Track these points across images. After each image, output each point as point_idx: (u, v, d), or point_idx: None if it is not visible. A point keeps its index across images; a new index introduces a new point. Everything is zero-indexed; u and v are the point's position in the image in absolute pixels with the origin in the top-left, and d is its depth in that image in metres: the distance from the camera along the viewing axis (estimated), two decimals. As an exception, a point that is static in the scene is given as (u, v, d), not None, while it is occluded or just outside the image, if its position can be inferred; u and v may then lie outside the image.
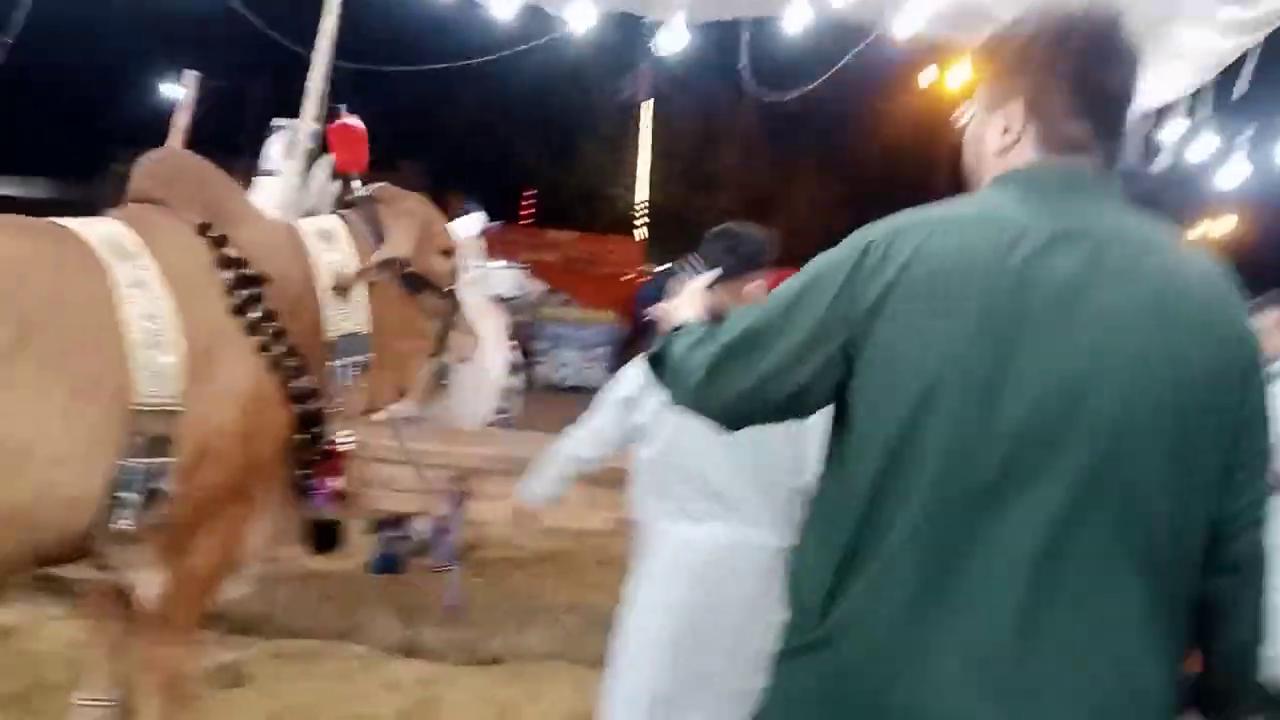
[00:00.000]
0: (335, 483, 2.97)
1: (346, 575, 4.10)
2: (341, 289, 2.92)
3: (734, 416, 1.56)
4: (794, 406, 1.50)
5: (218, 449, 2.51)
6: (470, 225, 4.46)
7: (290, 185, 5.70)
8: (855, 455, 1.39)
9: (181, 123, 5.29)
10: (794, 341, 1.41)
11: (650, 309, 1.90)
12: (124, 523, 2.30)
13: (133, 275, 2.35)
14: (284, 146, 5.81)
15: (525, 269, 18.80)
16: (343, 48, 5.78)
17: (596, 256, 22.28)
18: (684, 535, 2.60)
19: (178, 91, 5.31)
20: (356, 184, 3.27)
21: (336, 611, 3.86)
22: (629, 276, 21.23)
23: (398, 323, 3.06)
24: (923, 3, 5.36)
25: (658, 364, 1.66)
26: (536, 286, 18.64)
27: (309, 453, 2.83)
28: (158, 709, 2.67)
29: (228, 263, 2.60)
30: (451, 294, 3.23)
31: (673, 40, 5.98)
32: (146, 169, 2.74)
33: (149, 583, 2.55)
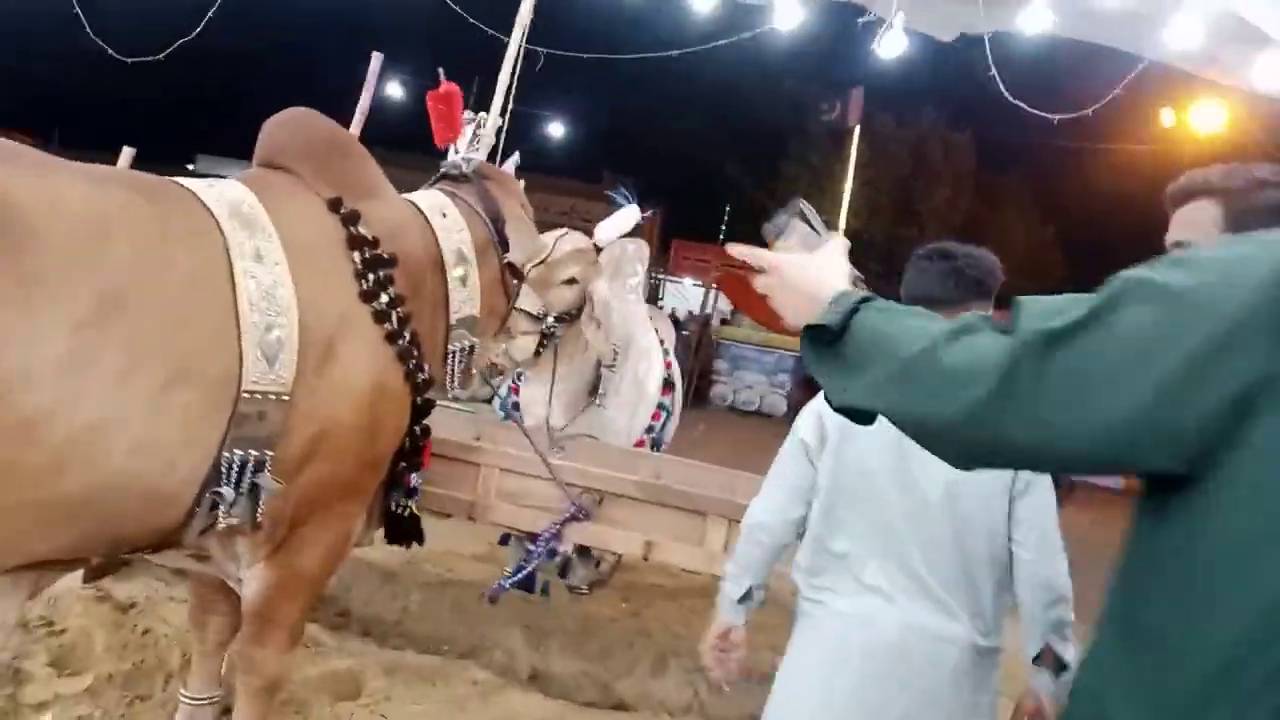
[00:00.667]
0: (417, 478, 2.72)
1: (481, 587, 3.88)
2: (462, 274, 2.75)
3: (1021, 456, 1.08)
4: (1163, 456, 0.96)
5: (332, 444, 2.30)
6: (623, 221, 4.19)
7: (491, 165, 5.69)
8: (1204, 597, 0.94)
9: (363, 104, 5.27)
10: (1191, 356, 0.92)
11: (736, 248, 1.44)
12: (220, 518, 2.11)
13: (252, 246, 2.14)
14: (468, 140, 5.80)
15: (713, 286, 18.68)
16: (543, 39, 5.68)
17: (790, 278, 21.86)
18: (857, 610, 2.11)
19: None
20: (455, 156, 3.10)
21: (465, 626, 3.64)
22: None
23: (488, 305, 2.91)
24: (1191, 17, 4.71)
25: (829, 358, 1.20)
26: (722, 305, 18.43)
27: (410, 443, 2.63)
28: (254, 714, 2.50)
29: (359, 242, 2.41)
30: (522, 276, 3.12)
31: (893, 44, 5.54)
32: (275, 132, 2.54)
33: (251, 579, 2.38)
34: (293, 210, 2.33)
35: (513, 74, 5.65)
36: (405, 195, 2.84)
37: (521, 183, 5.96)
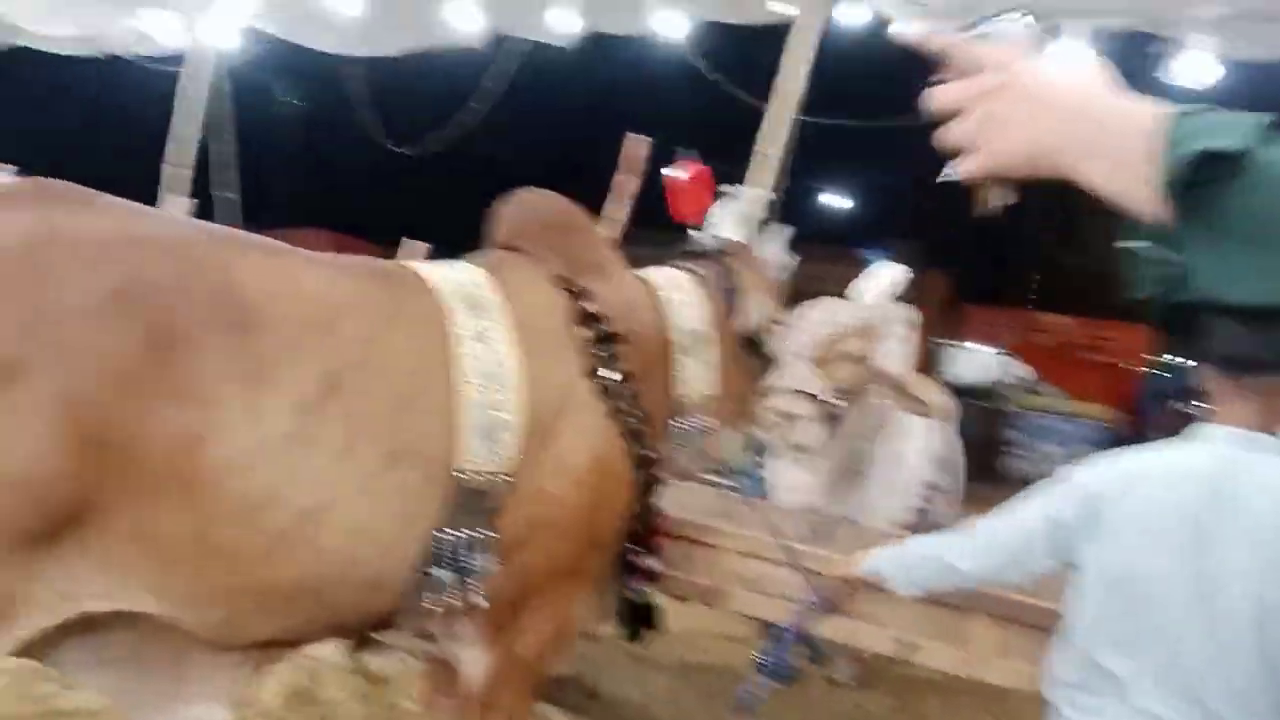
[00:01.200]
0: (654, 560, 2.62)
1: (736, 674, 3.67)
2: (694, 350, 2.69)
3: None
4: None
5: (553, 524, 2.24)
6: (886, 281, 3.91)
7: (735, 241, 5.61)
8: None
9: (628, 187, 5.35)
10: None
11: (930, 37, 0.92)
12: (435, 601, 2.09)
13: (476, 327, 2.15)
14: (733, 216, 5.73)
15: (1011, 354, 17.52)
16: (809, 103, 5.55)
17: (1095, 344, 20.20)
18: None
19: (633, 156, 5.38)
20: (698, 235, 3.04)
21: (710, 714, 3.45)
22: (1130, 368, 18.97)
23: (728, 385, 2.79)
24: None
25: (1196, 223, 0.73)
26: (1021, 372, 17.21)
27: (638, 524, 2.53)
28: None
29: (586, 318, 2.37)
30: (768, 358, 2.99)
31: (1199, 70, 4.88)
32: (508, 212, 2.59)
33: (473, 661, 2.34)
34: (521, 289, 2.35)
35: (788, 147, 5.61)
36: (639, 271, 2.80)
37: (792, 259, 5.84)
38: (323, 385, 1.88)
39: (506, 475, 2.11)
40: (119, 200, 1.91)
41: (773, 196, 5.40)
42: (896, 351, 3.90)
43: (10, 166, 6.33)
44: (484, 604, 2.16)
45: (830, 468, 3.71)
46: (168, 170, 6.57)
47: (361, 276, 2.10)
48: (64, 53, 6.93)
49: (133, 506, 1.72)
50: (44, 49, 7.04)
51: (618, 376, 2.36)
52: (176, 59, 6.83)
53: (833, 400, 3.49)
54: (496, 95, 6.10)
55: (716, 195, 5.69)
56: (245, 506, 1.78)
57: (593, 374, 2.33)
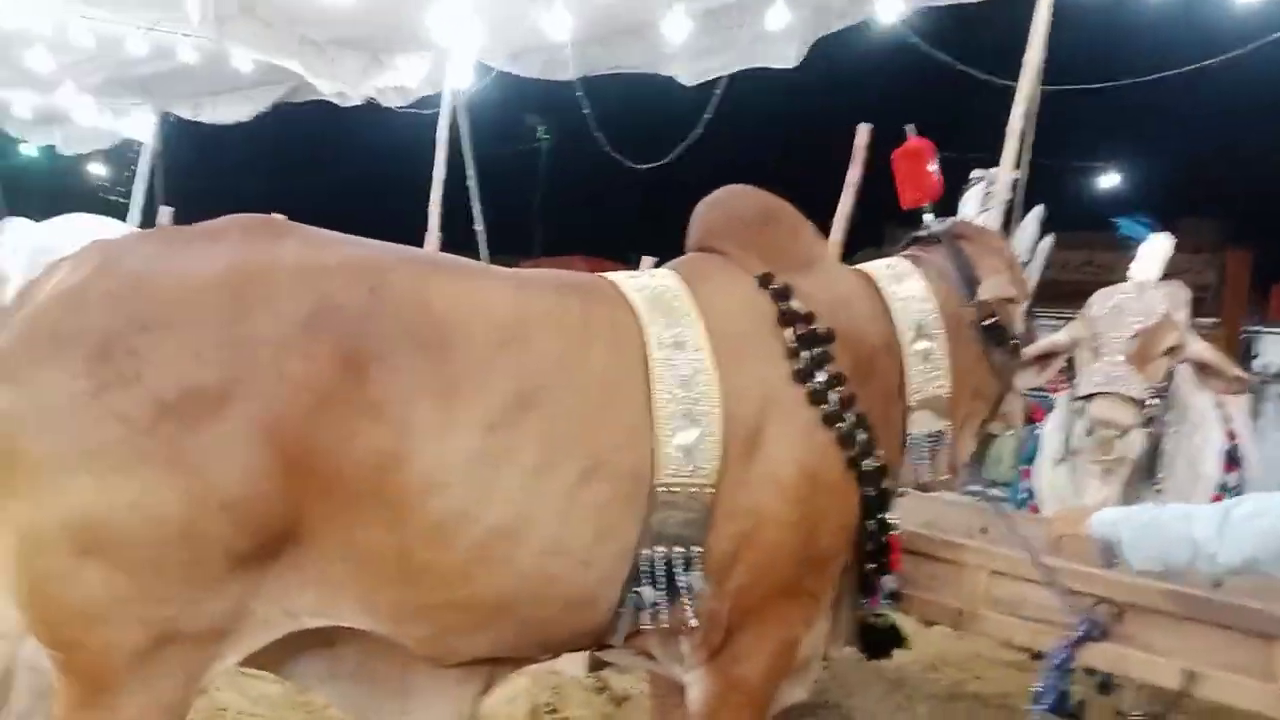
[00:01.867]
0: (891, 579, 2.39)
1: (1009, 705, 3.34)
2: (925, 347, 2.41)
3: None
4: None
5: (764, 540, 2.09)
6: (1161, 253, 3.42)
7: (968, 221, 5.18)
8: None
9: (853, 177, 5.08)
10: None
11: None
12: (642, 622, 2.00)
13: (671, 335, 2.05)
14: (979, 199, 5.31)
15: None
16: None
17: None
18: None
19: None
20: (929, 219, 2.77)
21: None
22: None
23: (968, 384, 2.51)
24: None
25: None
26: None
27: (871, 542, 2.31)
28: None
29: (790, 319, 2.20)
30: (1017, 350, 2.67)
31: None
32: (705, 213, 2.46)
33: (693, 684, 2.22)
34: (718, 292, 2.22)
35: (1025, 122, 5.15)
36: (861, 265, 2.60)
37: (1048, 240, 5.34)
38: (516, 401, 1.86)
39: (710, 488, 1.99)
40: (317, 230, 1.97)
41: (1018, 175, 4.98)
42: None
43: (280, 216, 6.96)
44: (695, 623, 2.05)
45: (1128, 477, 3.25)
46: (429, 209, 7.00)
47: (553, 290, 2.07)
48: (328, 99, 7.51)
49: (338, 525, 1.76)
50: (311, 98, 7.70)
51: (827, 379, 2.17)
52: (423, 101, 7.28)
53: (1154, 403, 3.05)
54: (724, 107, 6.01)
55: (967, 181, 5.35)
56: (443, 524, 1.79)
57: (800, 378, 2.15)
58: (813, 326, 2.20)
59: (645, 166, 6.44)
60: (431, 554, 1.79)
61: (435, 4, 6.01)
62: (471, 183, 7.32)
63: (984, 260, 2.60)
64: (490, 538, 1.81)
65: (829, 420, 2.14)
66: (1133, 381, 2.96)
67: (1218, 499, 3.38)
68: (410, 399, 1.76)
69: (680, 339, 2.05)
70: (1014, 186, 5.09)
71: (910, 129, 2.80)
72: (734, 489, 2.03)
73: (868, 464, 2.20)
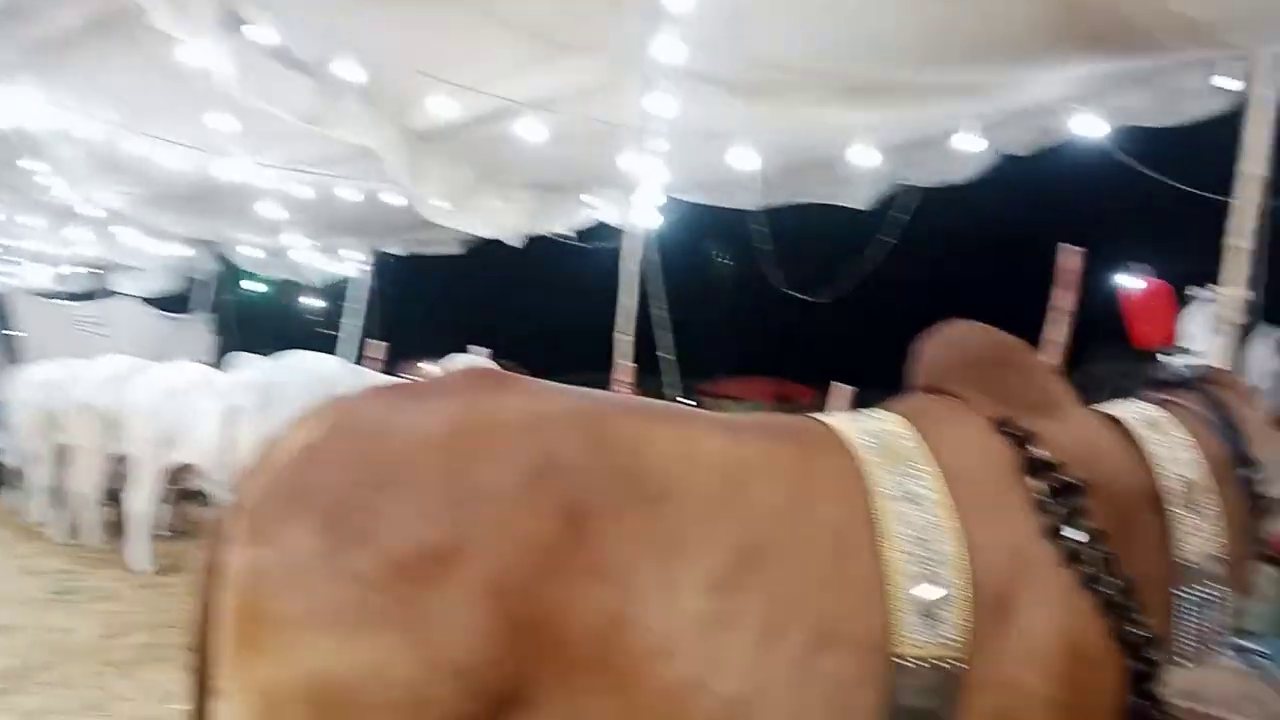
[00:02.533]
0: None
1: None
2: (1192, 501, 2.17)
3: None
4: None
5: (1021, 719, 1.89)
6: None
7: (1218, 366, 4.78)
8: None
9: (1064, 304, 4.80)
10: None
11: None
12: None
13: (902, 486, 1.90)
14: (1205, 319, 4.95)
15: None
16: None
17: None
18: None
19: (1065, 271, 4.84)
20: (1169, 360, 2.48)
21: None
22: None
23: (1234, 545, 2.21)
24: None
25: None
26: None
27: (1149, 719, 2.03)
28: None
29: (1036, 467, 2.02)
30: (1268, 509, 2.34)
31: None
32: (931, 349, 2.30)
33: None
34: (953, 437, 2.06)
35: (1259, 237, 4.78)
36: (1104, 407, 2.40)
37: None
38: (738, 559, 1.75)
39: (955, 660, 1.81)
40: (537, 381, 1.97)
41: (1250, 294, 4.60)
42: None
43: (485, 350, 7.25)
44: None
45: None
46: (618, 339, 7.14)
47: (770, 437, 1.97)
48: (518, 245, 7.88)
49: (561, 692, 1.68)
50: (505, 240, 8.09)
51: (1085, 537, 1.97)
52: (611, 235, 7.49)
53: None
54: (903, 226, 5.90)
55: (1182, 304, 4.98)
56: (673, 692, 1.68)
57: (1052, 534, 1.96)
58: (1063, 476, 2.00)
59: (821, 299, 6.35)
60: None
61: (628, 145, 6.21)
62: (658, 311, 7.41)
63: (1240, 408, 2.38)
64: (722, 710, 1.69)
65: (1089, 582, 1.94)
66: None
67: None
68: (633, 557, 1.69)
69: (912, 490, 1.91)
70: (1245, 306, 4.74)
71: (1147, 269, 2.64)
72: (986, 660, 1.83)
73: (1136, 633, 1.96)
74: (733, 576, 1.73)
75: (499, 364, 7.95)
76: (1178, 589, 2.19)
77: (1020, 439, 2.06)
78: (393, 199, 8.21)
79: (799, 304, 6.66)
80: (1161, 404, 2.37)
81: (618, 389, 6.39)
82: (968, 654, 1.81)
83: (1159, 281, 2.64)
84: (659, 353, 7.79)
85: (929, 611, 1.81)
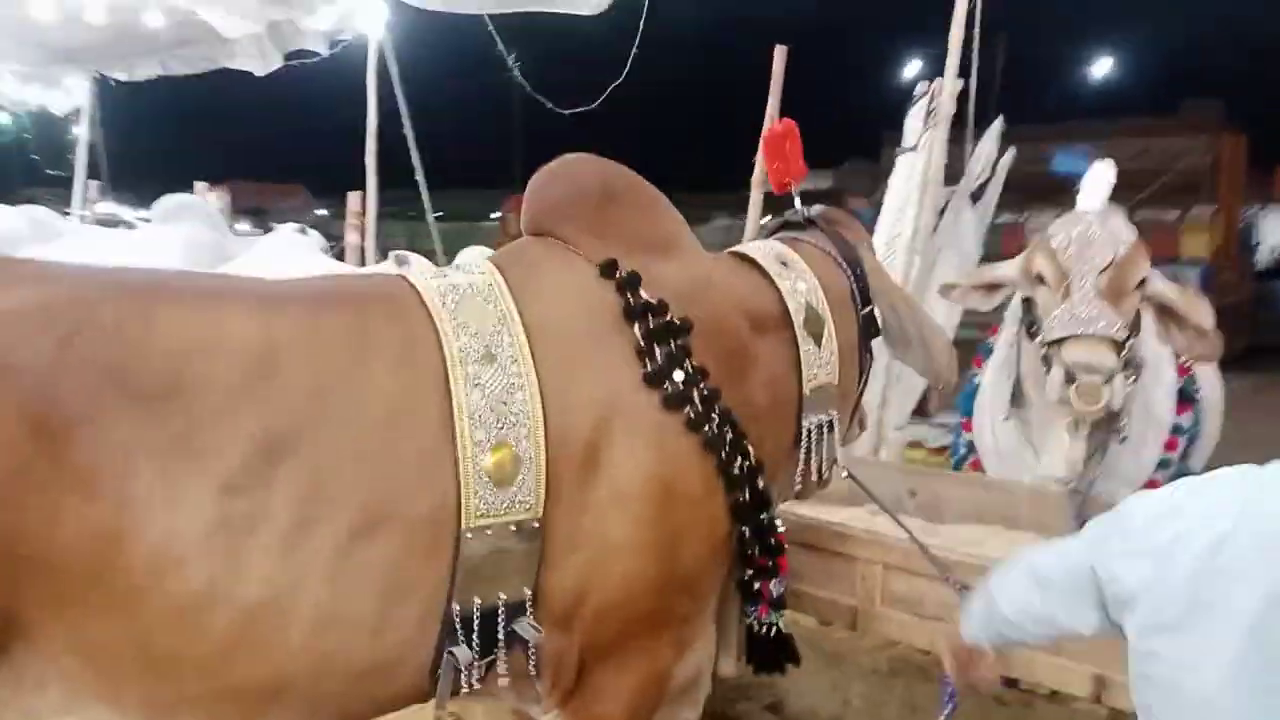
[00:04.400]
0: (778, 583, 2.12)
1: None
2: (815, 333, 2.18)
3: None
4: None
5: (616, 570, 1.82)
6: (1101, 180, 3.05)
7: (935, 161, 4.81)
8: None
9: (772, 105, 4.62)
10: None
11: None
12: (467, 680, 1.73)
13: (482, 346, 1.74)
14: (921, 117, 4.94)
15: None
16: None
17: None
18: None
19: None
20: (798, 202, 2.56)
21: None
22: None
23: (849, 375, 2.29)
24: None
25: None
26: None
27: (751, 548, 2.06)
28: None
29: (638, 312, 1.90)
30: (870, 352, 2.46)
31: None
32: (540, 188, 2.12)
33: (555, 727, 1.98)
34: (551, 286, 1.92)
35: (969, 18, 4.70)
36: (737, 248, 2.34)
37: (1009, 154, 4.94)
38: (263, 452, 1.56)
39: (536, 523, 1.72)
40: (33, 264, 1.69)
41: (962, 82, 4.57)
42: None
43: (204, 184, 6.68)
44: (547, 669, 1.82)
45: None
46: (368, 161, 6.67)
47: (324, 308, 1.76)
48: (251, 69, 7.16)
49: (59, 619, 1.51)
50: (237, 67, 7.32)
51: (689, 376, 1.88)
52: (356, 54, 6.88)
53: (1132, 343, 2.70)
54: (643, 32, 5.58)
55: (910, 98, 4.92)
56: (182, 608, 1.53)
57: (654, 379, 1.86)
58: (667, 318, 1.90)
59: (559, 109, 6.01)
60: (178, 642, 1.54)
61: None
62: (405, 130, 6.91)
63: (861, 248, 2.43)
64: (246, 618, 1.55)
65: (693, 424, 1.87)
66: (1111, 320, 2.62)
67: (1172, 444, 3.09)
68: (129, 466, 1.48)
69: (492, 349, 1.75)
70: (962, 97, 4.72)
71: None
72: (572, 518, 1.77)
73: (742, 465, 1.93)
74: (255, 474, 1.54)
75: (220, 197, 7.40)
76: (803, 417, 2.19)
77: (624, 283, 1.93)
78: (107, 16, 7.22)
79: (551, 116, 6.31)
80: (790, 242, 2.32)
81: (351, 226, 5.99)
82: (546, 512, 1.72)
83: (786, 121, 2.53)
84: (417, 178, 7.34)
85: (503, 479, 1.68)
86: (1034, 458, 2.93)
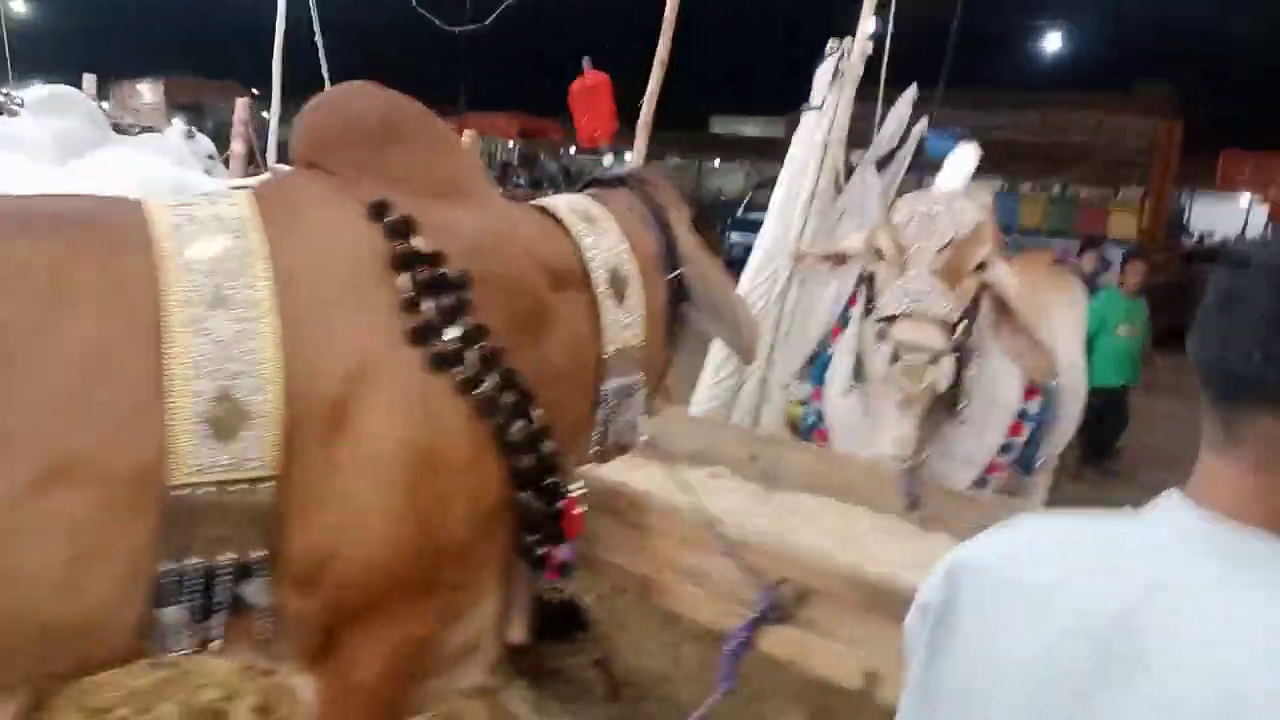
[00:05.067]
0: (566, 549, 2.05)
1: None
2: (619, 293, 2.07)
3: None
4: None
5: (363, 535, 1.70)
6: (963, 162, 2.99)
7: (838, 121, 4.70)
8: None
9: (661, 54, 4.45)
10: None
11: None
12: (181, 645, 1.62)
13: (213, 289, 1.58)
14: (828, 75, 4.81)
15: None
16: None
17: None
18: None
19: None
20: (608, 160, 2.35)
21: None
22: None
23: (655, 338, 2.18)
24: None
25: None
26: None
27: (535, 513, 1.95)
28: None
29: (407, 260, 1.76)
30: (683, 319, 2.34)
31: None
32: (314, 117, 1.94)
33: (304, 687, 1.89)
34: (310, 225, 1.76)
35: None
36: (539, 201, 2.20)
37: (922, 124, 4.85)
38: None
39: (266, 481, 1.60)
40: None
41: (872, 45, 4.46)
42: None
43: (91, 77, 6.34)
44: (289, 632, 1.72)
45: (928, 408, 2.84)
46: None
47: (26, 237, 1.58)
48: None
49: None
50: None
51: (465, 334, 1.76)
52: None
53: (964, 324, 2.64)
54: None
55: (821, 55, 4.78)
56: None
57: (419, 336, 1.73)
58: (440, 270, 1.76)
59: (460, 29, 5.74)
60: None
61: None
62: (319, 36, 6.58)
63: (671, 210, 2.31)
64: None
65: (466, 386, 1.75)
66: (942, 300, 2.57)
67: (1016, 429, 3.07)
68: None
69: (225, 292, 1.60)
70: (870, 61, 4.60)
71: (586, 61, 2.41)
72: (313, 477, 1.64)
73: (520, 431, 1.82)
74: None
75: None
76: (601, 380, 2.10)
77: (393, 227, 1.80)
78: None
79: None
80: (599, 199, 2.21)
81: (237, 135, 5.70)
82: (280, 471, 1.58)
83: (597, 73, 2.41)
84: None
85: (225, 432, 1.54)
86: (871, 432, 2.88)
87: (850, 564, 1.96)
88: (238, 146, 5.49)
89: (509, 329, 1.85)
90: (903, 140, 5.01)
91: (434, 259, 1.77)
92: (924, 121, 5.02)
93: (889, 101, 4.97)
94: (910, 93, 4.98)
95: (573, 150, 28.04)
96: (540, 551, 2.06)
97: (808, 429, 3.31)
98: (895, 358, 2.52)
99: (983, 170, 3.30)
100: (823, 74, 4.66)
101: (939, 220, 2.63)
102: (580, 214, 2.11)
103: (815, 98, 4.68)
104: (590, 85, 2.36)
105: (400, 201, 1.80)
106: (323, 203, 1.81)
